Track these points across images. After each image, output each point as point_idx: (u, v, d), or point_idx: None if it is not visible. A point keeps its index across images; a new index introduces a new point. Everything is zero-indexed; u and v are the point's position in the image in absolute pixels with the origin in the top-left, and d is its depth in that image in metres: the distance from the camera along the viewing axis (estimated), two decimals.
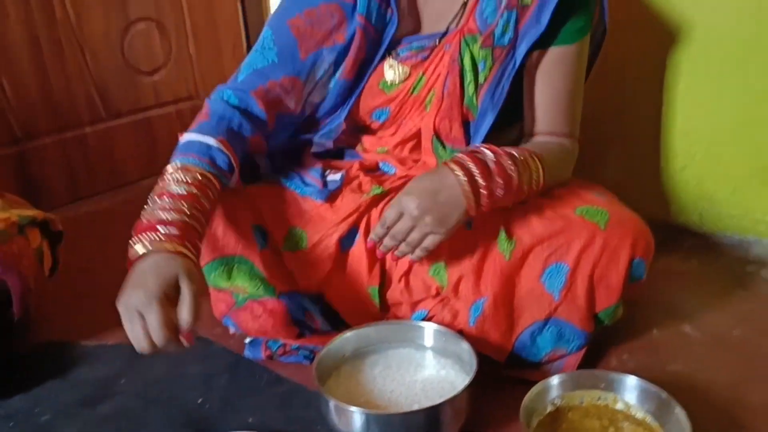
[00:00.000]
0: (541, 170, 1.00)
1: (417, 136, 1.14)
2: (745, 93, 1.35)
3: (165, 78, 2.09)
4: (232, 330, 1.18)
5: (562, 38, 1.05)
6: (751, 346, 1.15)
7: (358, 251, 1.08)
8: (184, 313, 0.83)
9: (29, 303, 1.07)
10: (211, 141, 1.01)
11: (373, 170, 1.17)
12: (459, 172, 0.94)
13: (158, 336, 0.80)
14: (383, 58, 1.11)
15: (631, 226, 1.00)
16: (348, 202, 1.09)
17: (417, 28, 1.13)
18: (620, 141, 1.53)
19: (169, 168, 0.98)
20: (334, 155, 1.21)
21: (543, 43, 1.04)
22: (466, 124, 1.10)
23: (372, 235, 1.02)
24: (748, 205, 1.43)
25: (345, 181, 1.12)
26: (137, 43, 1.99)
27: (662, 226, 1.50)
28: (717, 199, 1.46)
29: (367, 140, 1.19)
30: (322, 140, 1.17)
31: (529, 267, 1.01)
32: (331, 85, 1.12)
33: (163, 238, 0.87)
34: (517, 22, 1.03)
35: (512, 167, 0.96)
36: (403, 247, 0.99)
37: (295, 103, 1.11)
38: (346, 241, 1.08)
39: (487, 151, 0.97)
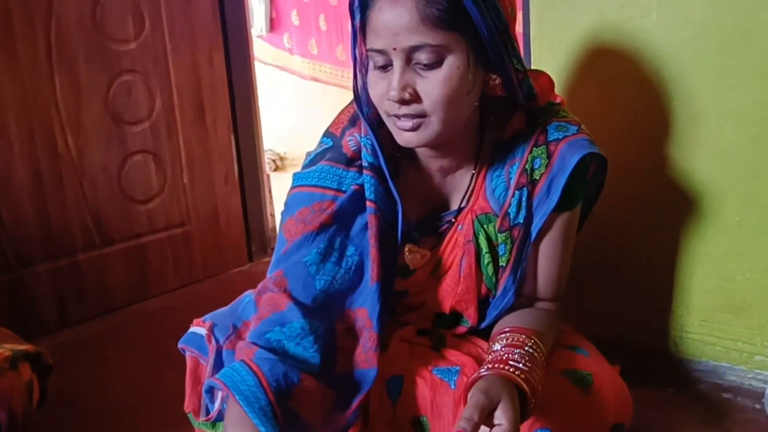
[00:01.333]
0: (544, 361, 0.99)
1: (425, 306, 1.16)
2: (706, 229, 1.44)
3: (158, 206, 2.17)
4: None
5: (561, 206, 1.06)
6: None
7: None
8: None
9: None
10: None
11: None
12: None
13: None
14: (401, 243, 1.07)
15: (612, 392, 1.02)
16: None
17: (425, 209, 1.12)
18: (598, 270, 1.60)
19: None
20: None
21: None
22: (481, 304, 1.11)
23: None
24: (719, 334, 1.47)
25: None
26: (134, 174, 2.09)
27: (639, 353, 1.54)
28: (689, 328, 1.51)
29: None
30: None
31: None
32: (366, 295, 1.02)
33: None
34: (528, 198, 1.05)
35: (540, 377, 0.95)
36: None
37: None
38: None
39: (534, 381, 0.92)
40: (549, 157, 1.04)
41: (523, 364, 0.93)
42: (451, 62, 0.93)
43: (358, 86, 1.03)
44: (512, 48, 0.97)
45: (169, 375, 1.27)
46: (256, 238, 2.50)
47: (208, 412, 1.10)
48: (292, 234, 1.04)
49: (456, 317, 1.16)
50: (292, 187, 1.09)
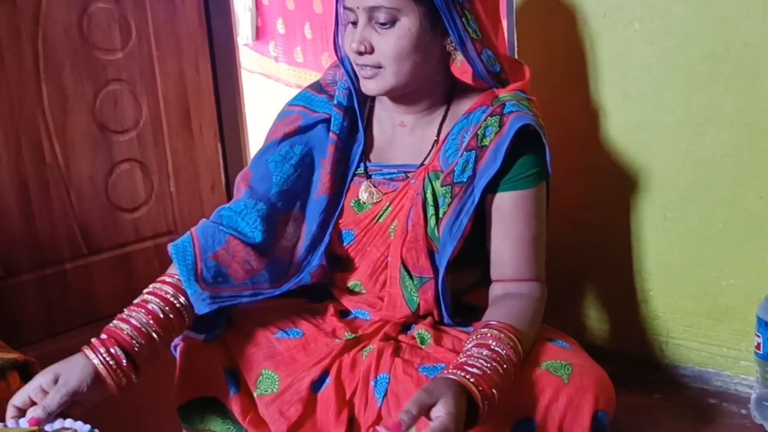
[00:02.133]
0: (521, 353, 1.02)
1: (385, 267, 1.19)
2: (690, 235, 1.46)
3: (145, 215, 2.16)
4: None
5: (521, 183, 1.12)
6: None
7: (327, 395, 1.09)
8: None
9: None
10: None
11: (347, 314, 1.22)
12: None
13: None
14: (354, 177, 1.20)
15: (593, 380, 1.03)
16: (321, 345, 1.13)
17: (387, 155, 1.22)
18: (583, 276, 1.61)
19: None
20: (310, 296, 1.25)
21: (504, 187, 1.12)
22: (431, 255, 1.16)
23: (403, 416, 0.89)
24: (704, 340, 1.49)
25: (319, 325, 1.17)
26: (120, 183, 2.08)
27: (626, 359, 1.56)
28: (674, 333, 1.53)
29: (339, 277, 1.24)
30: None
31: (499, 423, 1.00)
32: (309, 206, 1.20)
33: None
34: (476, 161, 1.11)
35: (510, 369, 0.98)
36: None
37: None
38: (317, 385, 1.10)
39: (486, 385, 0.95)
40: (500, 126, 1.12)
41: (479, 369, 0.95)
42: (403, 23, 1.08)
43: (338, 40, 1.20)
44: (468, 20, 1.09)
45: (157, 383, 1.27)
46: None
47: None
48: (265, 142, 1.24)
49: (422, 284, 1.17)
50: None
